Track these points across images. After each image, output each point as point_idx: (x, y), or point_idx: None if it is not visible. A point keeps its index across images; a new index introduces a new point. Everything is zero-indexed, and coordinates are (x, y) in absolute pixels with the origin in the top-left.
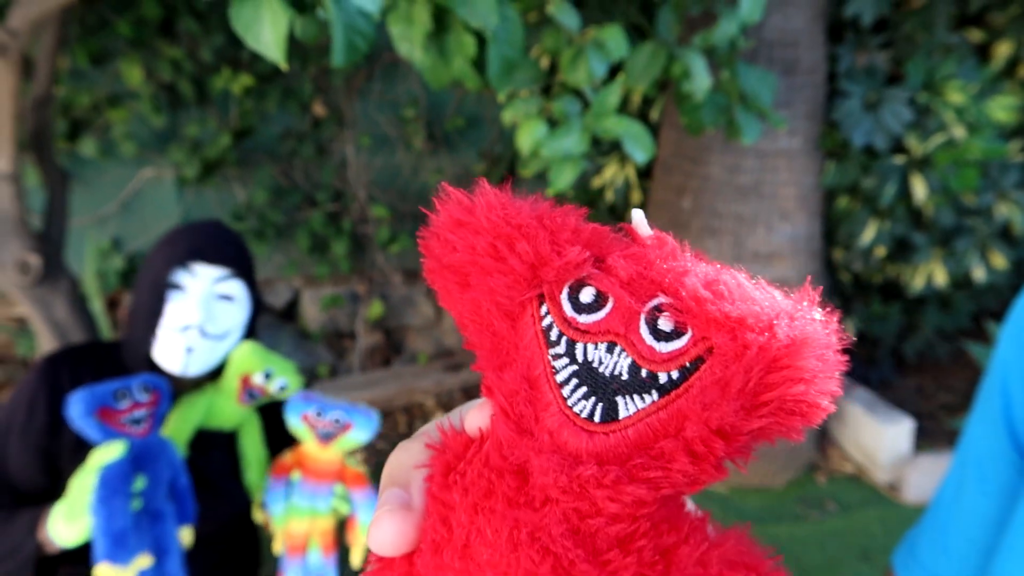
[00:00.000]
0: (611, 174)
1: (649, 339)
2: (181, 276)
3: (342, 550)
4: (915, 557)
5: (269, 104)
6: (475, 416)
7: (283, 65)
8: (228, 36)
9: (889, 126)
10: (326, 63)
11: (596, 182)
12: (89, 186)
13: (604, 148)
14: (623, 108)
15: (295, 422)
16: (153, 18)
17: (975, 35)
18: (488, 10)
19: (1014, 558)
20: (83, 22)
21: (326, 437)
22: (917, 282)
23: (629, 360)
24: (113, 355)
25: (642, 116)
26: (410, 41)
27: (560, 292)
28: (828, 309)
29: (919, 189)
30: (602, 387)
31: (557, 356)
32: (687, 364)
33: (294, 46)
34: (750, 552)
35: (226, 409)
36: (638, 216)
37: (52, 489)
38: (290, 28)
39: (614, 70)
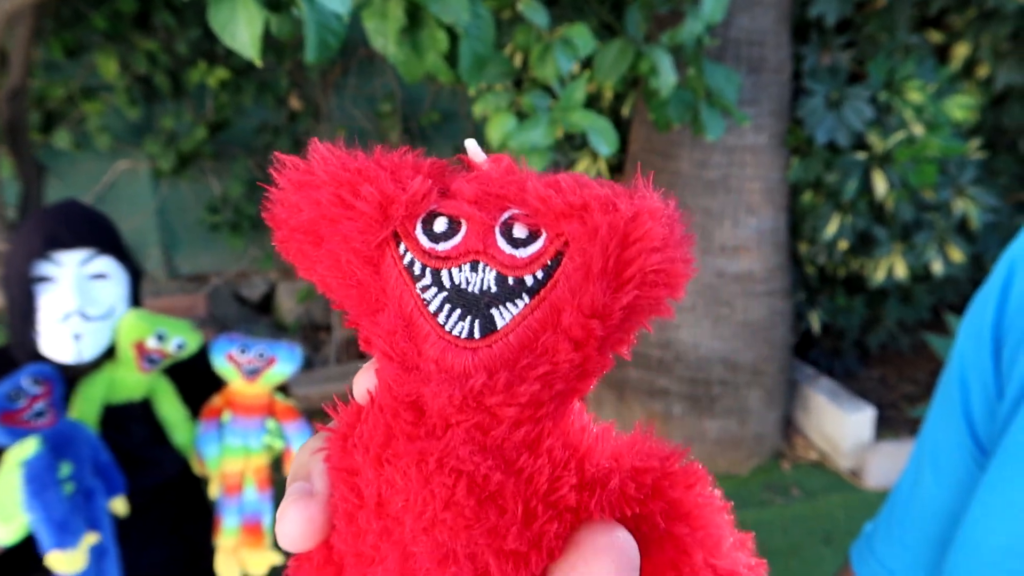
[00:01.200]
0: (583, 168)
1: (508, 248)
2: (46, 268)
3: (279, 486)
4: (871, 550)
5: (245, 97)
6: (361, 381)
7: (257, 62)
8: (204, 29)
9: (851, 123)
10: (302, 58)
11: None
12: (64, 178)
13: (576, 143)
14: (596, 104)
15: (221, 362)
16: (129, 11)
17: (935, 36)
18: (459, 7)
19: (968, 550)
20: (58, 15)
21: (252, 373)
22: (878, 275)
23: (494, 273)
24: (7, 358)
25: (613, 112)
26: (384, 36)
27: (414, 227)
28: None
29: (880, 184)
30: (474, 305)
31: (425, 288)
32: (548, 262)
33: (270, 41)
34: (662, 445)
35: (128, 380)
36: (471, 145)
37: None
38: (265, 26)
39: (587, 67)
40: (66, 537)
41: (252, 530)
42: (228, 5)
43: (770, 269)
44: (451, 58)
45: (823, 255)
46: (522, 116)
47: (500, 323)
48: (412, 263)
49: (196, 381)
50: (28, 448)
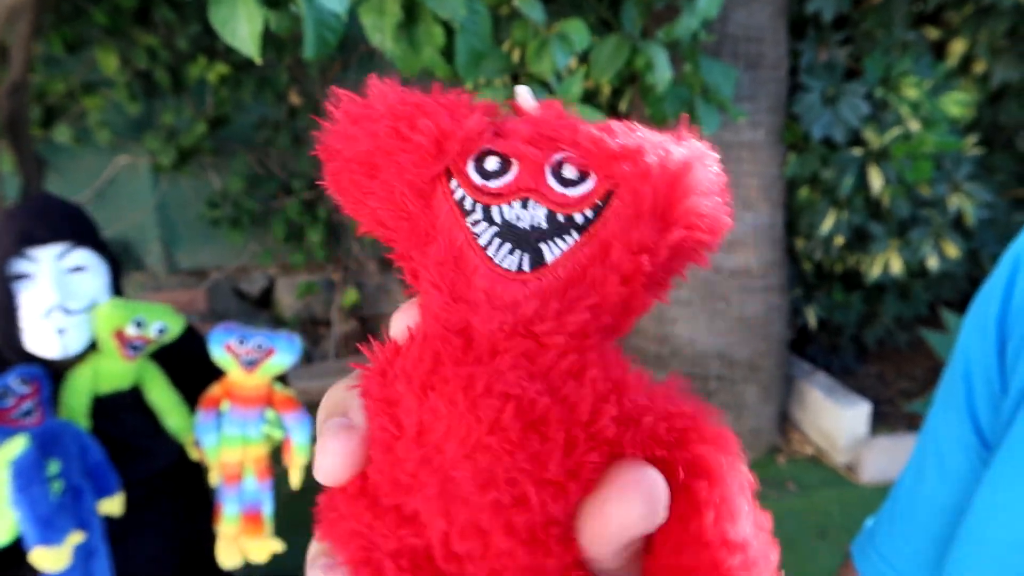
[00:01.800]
0: None
1: (558, 187)
2: (22, 265)
3: (280, 475)
4: (873, 545)
5: (245, 93)
6: (399, 319)
7: (257, 59)
8: (204, 25)
9: (847, 120)
10: (301, 54)
11: None
12: (64, 173)
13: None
14: (593, 100)
15: (219, 353)
16: (129, 6)
17: (931, 33)
18: (456, 2)
19: (971, 545)
20: (58, 10)
21: (250, 364)
22: (874, 271)
23: (544, 210)
24: None
25: (611, 108)
26: (382, 31)
27: (466, 165)
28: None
29: (876, 180)
30: (524, 240)
31: (475, 223)
32: (598, 202)
33: (270, 37)
34: (690, 396)
35: (114, 369)
36: (523, 91)
37: None
38: (265, 23)
39: (584, 62)
40: (51, 534)
41: (252, 519)
42: (228, 2)
43: (766, 265)
44: (448, 53)
45: (819, 251)
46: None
47: (549, 257)
48: (463, 199)
49: (186, 365)
50: (16, 446)
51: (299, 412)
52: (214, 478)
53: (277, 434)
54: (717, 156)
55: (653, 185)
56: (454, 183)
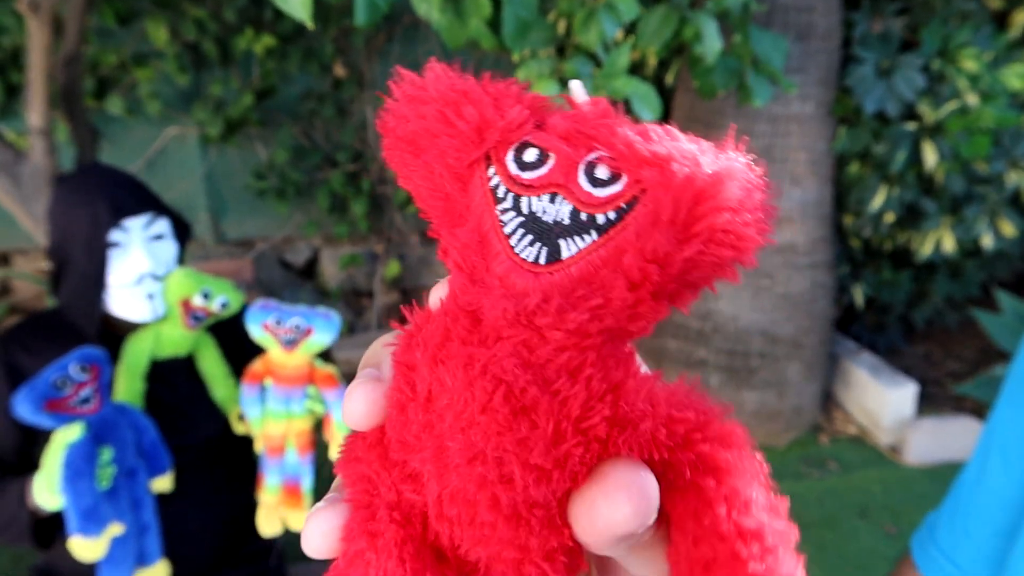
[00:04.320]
0: None
1: (587, 186)
2: (116, 235)
3: (321, 449)
4: (934, 540)
5: (290, 64)
6: (437, 290)
7: (310, 24)
8: None
9: (902, 93)
10: (347, 24)
11: None
12: (116, 144)
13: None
14: (640, 72)
15: (257, 332)
16: None
17: (993, 2)
18: None
19: None
20: None
21: (290, 343)
22: (926, 249)
23: (570, 207)
24: (60, 321)
25: (657, 80)
26: (428, 2)
27: (505, 153)
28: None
29: (930, 156)
30: (546, 233)
31: (504, 211)
32: (623, 205)
33: (316, 7)
34: (700, 398)
35: (175, 336)
36: (575, 86)
37: (31, 451)
38: None
39: (631, 33)
40: (90, 525)
41: (291, 491)
42: None
43: (813, 241)
44: (494, 24)
45: (869, 228)
46: (565, 83)
47: (565, 254)
48: (497, 186)
49: (237, 340)
50: (72, 434)
51: (339, 389)
52: (258, 447)
53: (320, 408)
54: (760, 171)
55: (675, 195)
56: (492, 170)
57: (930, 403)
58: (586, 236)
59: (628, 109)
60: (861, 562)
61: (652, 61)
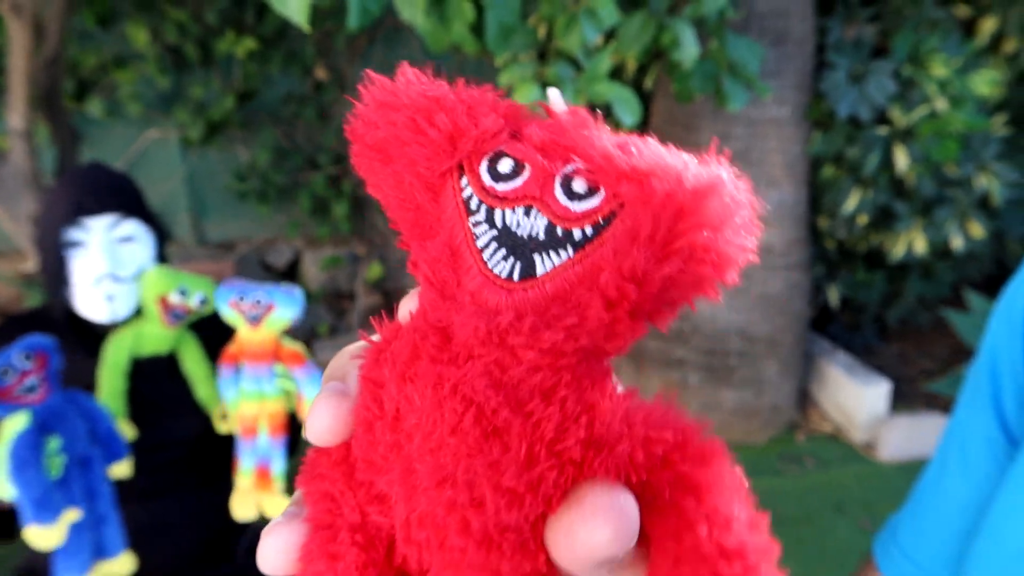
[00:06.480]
0: None
1: (564, 200)
2: (74, 233)
3: (295, 432)
4: (895, 541)
5: (272, 67)
6: (407, 302)
7: (306, 28)
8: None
9: (873, 98)
10: (329, 27)
11: None
12: (96, 146)
13: (597, 116)
14: (619, 76)
15: (225, 310)
16: None
17: (961, 10)
18: None
19: (993, 543)
20: None
21: (254, 320)
22: (898, 250)
23: (545, 221)
24: (46, 318)
25: (637, 85)
26: (413, 6)
27: (479, 163)
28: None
29: (901, 159)
30: (520, 248)
31: (477, 223)
32: (600, 220)
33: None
34: (678, 415)
35: (155, 334)
36: (554, 95)
37: None
38: None
39: (611, 38)
40: (44, 513)
41: (262, 474)
42: None
43: (789, 242)
44: (477, 29)
45: (843, 229)
46: (547, 87)
47: (540, 270)
48: (470, 197)
49: (219, 338)
50: (16, 424)
51: (307, 366)
52: (234, 428)
53: (291, 386)
54: (745, 185)
55: (654, 211)
56: (464, 180)
57: (903, 401)
58: (562, 252)
59: (608, 113)
60: (837, 556)
61: (632, 66)
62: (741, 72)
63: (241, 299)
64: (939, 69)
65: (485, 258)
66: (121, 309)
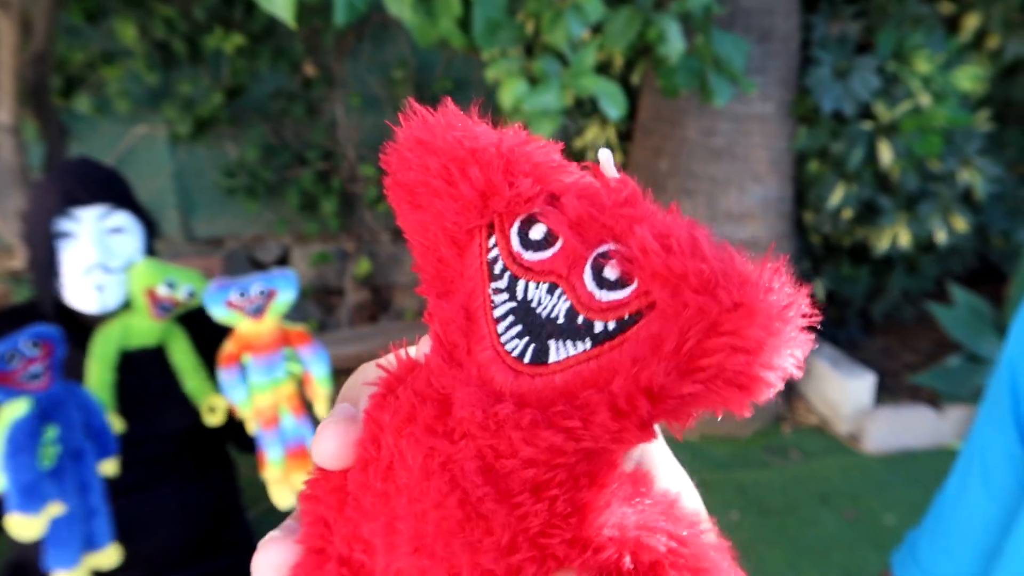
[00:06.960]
0: (592, 136)
1: (591, 285)
2: (65, 224)
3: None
4: (915, 558)
5: (261, 63)
6: (425, 342)
7: (292, 25)
8: None
9: (858, 93)
10: (317, 23)
11: (578, 143)
12: (83, 142)
13: (586, 110)
14: (606, 72)
15: (220, 312)
16: None
17: (945, 7)
18: None
19: (1017, 561)
20: None
21: (257, 311)
22: (882, 244)
23: (568, 304)
24: (35, 312)
25: (623, 80)
26: (400, 1)
27: (511, 225)
28: (796, 278)
29: (885, 154)
30: (537, 328)
31: (498, 291)
32: (626, 316)
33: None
34: (679, 517)
35: (143, 327)
36: (605, 157)
37: None
38: None
39: (598, 32)
40: (29, 502)
41: (297, 454)
42: None
43: (775, 237)
44: (464, 24)
45: (828, 224)
46: (534, 81)
47: (553, 357)
48: (495, 260)
49: (209, 331)
50: (18, 409)
51: (313, 344)
52: (252, 427)
53: (297, 368)
54: (795, 304)
55: (683, 325)
56: (492, 240)
57: (888, 393)
58: (579, 343)
59: (594, 107)
60: (822, 546)
61: (618, 61)
62: (726, 68)
63: (242, 295)
64: (923, 65)
65: (499, 331)
66: (110, 299)
